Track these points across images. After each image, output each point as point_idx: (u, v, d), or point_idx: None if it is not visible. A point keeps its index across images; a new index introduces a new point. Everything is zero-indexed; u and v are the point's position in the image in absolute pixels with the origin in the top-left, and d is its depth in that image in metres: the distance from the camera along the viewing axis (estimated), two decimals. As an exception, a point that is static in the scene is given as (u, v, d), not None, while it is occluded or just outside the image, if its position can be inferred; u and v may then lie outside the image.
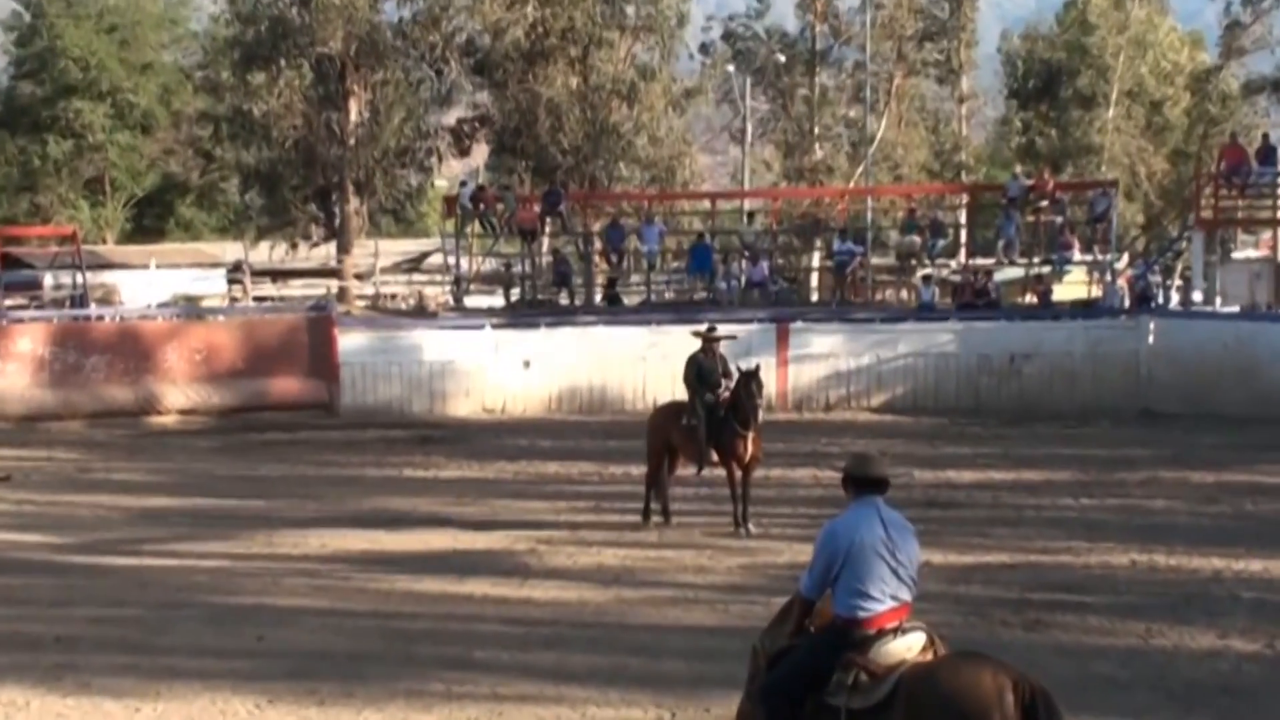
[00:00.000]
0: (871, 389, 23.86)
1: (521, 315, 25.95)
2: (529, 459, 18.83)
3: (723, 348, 14.15)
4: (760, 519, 13.59)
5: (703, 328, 14.63)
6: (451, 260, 29.05)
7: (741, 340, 18.48)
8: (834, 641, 5.75)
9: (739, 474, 13.48)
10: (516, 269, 28.76)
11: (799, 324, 24.19)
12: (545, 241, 29.60)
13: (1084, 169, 43.62)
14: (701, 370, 13.81)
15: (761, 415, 13.53)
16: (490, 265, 29.98)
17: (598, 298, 28.37)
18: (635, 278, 30.28)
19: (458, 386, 23.67)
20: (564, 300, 27.74)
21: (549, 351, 23.77)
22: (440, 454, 19.46)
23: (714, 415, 13.53)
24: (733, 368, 13.84)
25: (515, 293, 28.87)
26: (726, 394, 13.56)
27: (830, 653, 5.73)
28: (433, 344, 23.92)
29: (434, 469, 18.27)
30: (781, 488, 15.89)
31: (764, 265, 27.21)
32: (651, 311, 26.03)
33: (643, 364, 23.18)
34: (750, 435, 13.40)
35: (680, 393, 14.67)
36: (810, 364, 23.78)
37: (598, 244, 28.96)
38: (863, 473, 5.97)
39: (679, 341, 16.44)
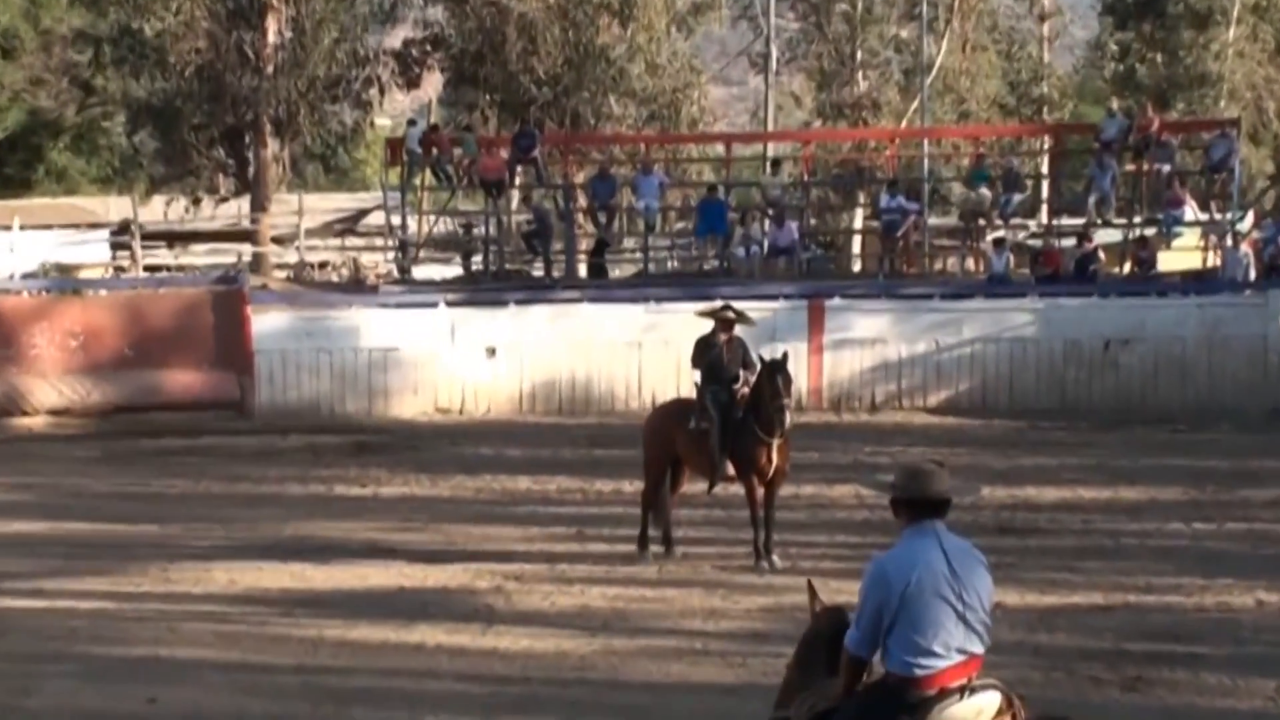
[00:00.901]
0: (929, 384, 23.91)
1: (484, 290, 25.95)
2: (494, 472, 18.85)
3: (740, 331, 14.14)
4: (787, 549, 13.61)
5: (715, 306, 14.63)
6: (396, 220, 29.04)
7: (765, 322, 18.48)
8: (885, 704, 5.74)
9: (761, 491, 13.49)
10: (478, 231, 28.76)
11: (837, 301, 24.22)
12: (515, 196, 29.59)
13: (1198, 105, 43.62)
14: (714, 360, 13.80)
15: (790, 417, 13.51)
16: (445, 226, 29.95)
17: (581, 268, 28.36)
18: (629, 242, 30.31)
19: (403, 380, 23.69)
20: (538, 271, 27.72)
21: (519, 336, 23.78)
22: (381, 466, 19.49)
23: (729, 417, 13.53)
24: (753, 356, 13.83)
25: (477, 261, 28.87)
26: (745, 390, 13.56)
27: (881, 718, 5.71)
28: (372, 326, 23.93)
29: (373, 485, 18.30)
30: (815, 509, 15.93)
31: (792, 227, 27.20)
32: (649, 285, 26.04)
33: (638, 352, 23.24)
34: (775, 442, 13.39)
35: (685, 388, 14.66)
36: (851, 351, 23.82)
37: (581, 200, 28.95)
38: (917, 492, 5.92)
39: (683, 324, 16.41)
